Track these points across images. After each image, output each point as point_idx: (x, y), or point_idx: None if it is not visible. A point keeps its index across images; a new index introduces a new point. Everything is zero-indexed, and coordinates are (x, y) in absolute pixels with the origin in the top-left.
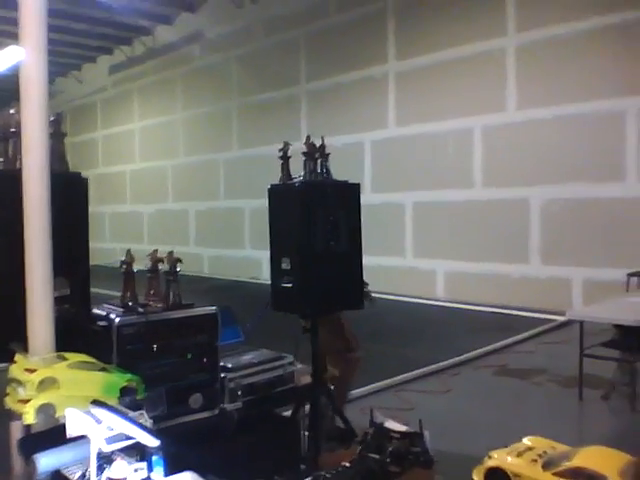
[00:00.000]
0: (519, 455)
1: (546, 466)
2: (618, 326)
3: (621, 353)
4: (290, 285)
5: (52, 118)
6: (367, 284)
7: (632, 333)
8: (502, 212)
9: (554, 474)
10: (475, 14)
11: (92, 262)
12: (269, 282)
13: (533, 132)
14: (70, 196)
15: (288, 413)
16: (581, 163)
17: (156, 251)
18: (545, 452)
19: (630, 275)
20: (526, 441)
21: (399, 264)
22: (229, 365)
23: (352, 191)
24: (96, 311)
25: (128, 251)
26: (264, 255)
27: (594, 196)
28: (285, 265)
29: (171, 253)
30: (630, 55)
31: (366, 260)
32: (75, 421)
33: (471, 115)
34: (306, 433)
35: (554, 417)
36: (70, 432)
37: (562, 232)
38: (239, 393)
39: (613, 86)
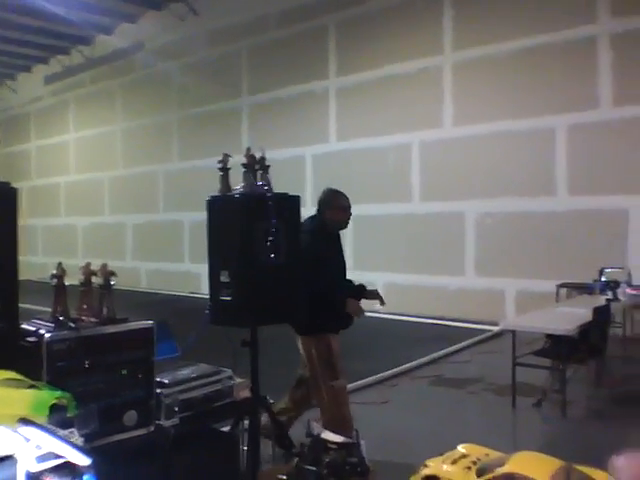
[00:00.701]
0: (454, 463)
1: (480, 473)
2: (549, 335)
3: (552, 361)
4: (229, 298)
5: None
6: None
7: (562, 342)
8: (439, 225)
9: None
10: (413, 32)
11: (23, 277)
12: (208, 296)
13: (469, 147)
14: None
15: (227, 428)
16: (514, 178)
17: (89, 264)
18: (479, 459)
19: (559, 286)
20: (460, 449)
21: None
22: (165, 380)
23: (292, 203)
24: (25, 326)
25: (59, 264)
26: (203, 269)
27: (526, 210)
28: (224, 278)
29: (105, 266)
30: (560, 73)
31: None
32: (1, 440)
33: (409, 130)
34: (245, 448)
35: (489, 425)
36: None
37: (496, 245)
38: (176, 409)
39: (544, 104)
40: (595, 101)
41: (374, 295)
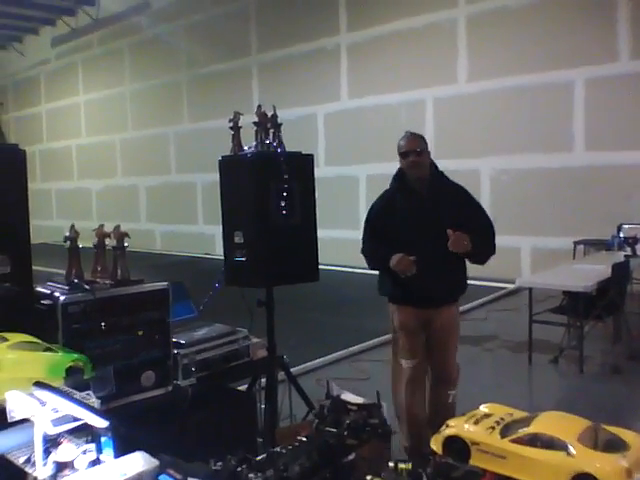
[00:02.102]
0: (476, 423)
1: (504, 433)
2: (566, 292)
3: (569, 318)
4: (244, 259)
5: None
6: None
7: (579, 299)
8: None
9: (512, 441)
10: None
11: (38, 240)
12: (222, 257)
13: (483, 103)
14: (7, 170)
15: (244, 387)
16: (530, 134)
17: (102, 226)
18: (502, 419)
19: (576, 243)
20: (483, 408)
21: (353, 237)
22: (182, 341)
23: (305, 162)
24: (40, 289)
25: (72, 226)
26: (217, 230)
27: (543, 166)
28: (238, 239)
29: (118, 227)
30: (578, 25)
31: (320, 233)
32: (18, 404)
33: (423, 87)
34: (262, 406)
35: (505, 382)
36: (13, 415)
37: (512, 202)
38: (193, 369)
39: (562, 57)
40: (614, 54)
41: None
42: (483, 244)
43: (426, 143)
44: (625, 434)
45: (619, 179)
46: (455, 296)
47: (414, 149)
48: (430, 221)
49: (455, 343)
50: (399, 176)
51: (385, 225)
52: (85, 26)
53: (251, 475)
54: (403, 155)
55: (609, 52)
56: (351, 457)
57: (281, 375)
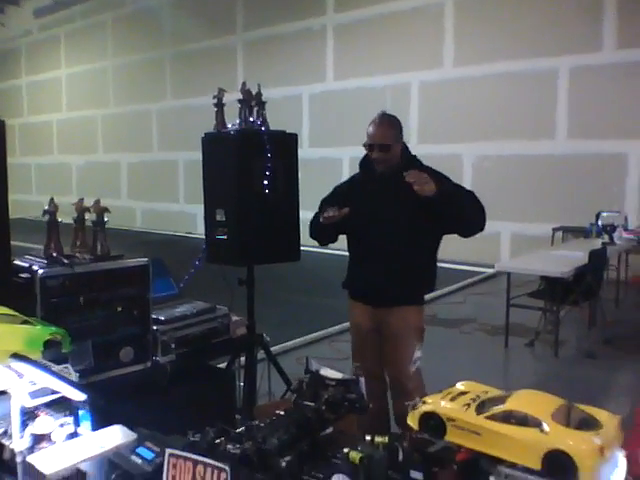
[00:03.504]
0: (453, 400)
1: (479, 410)
2: (544, 278)
3: (545, 303)
4: (225, 237)
5: None
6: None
7: (556, 284)
8: (436, 167)
9: (487, 418)
10: None
11: (17, 215)
12: (204, 236)
13: (468, 89)
14: None
15: (223, 365)
16: (513, 120)
17: (82, 200)
18: (478, 396)
19: (555, 230)
20: (460, 386)
21: None
22: (162, 317)
23: (289, 141)
24: (18, 262)
25: (51, 200)
26: (199, 209)
27: (524, 153)
28: (220, 217)
29: (98, 202)
30: (565, 14)
31: (302, 214)
32: None
33: (409, 70)
34: (241, 384)
35: (482, 364)
36: None
37: (493, 188)
38: (172, 346)
39: (547, 45)
40: (599, 43)
41: None
42: (464, 198)
43: (398, 130)
44: (598, 413)
45: (600, 168)
46: (411, 296)
47: (380, 143)
48: (388, 212)
49: (410, 352)
50: (365, 162)
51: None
52: None
53: (229, 446)
54: (367, 148)
55: (594, 41)
56: (329, 431)
57: (261, 354)
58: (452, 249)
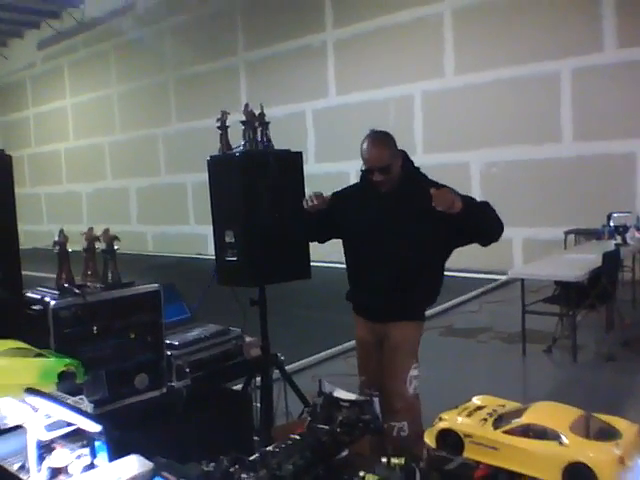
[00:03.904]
0: (469, 415)
1: (497, 425)
2: (558, 282)
3: (561, 308)
4: (235, 258)
5: None
6: None
7: (571, 288)
8: (444, 177)
9: (505, 432)
10: None
11: (29, 245)
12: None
13: (471, 97)
14: None
15: (239, 387)
16: (519, 125)
17: (91, 229)
18: (495, 410)
19: (567, 233)
20: (475, 400)
21: None
22: (175, 342)
23: (294, 160)
24: (30, 295)
25: (61, 231)
26: (209, 230)
27: (532, 157)
28: (229, 238)
29: (107, 231)
30: (564, 16)
31: None
32: (10, 411)
33: (411, 81)
34: (258, 405)
35: (500, 373)
36: (5, 422)
37: (502, 194)
38: (187, 370)
39: (548, 48)
40: (599, 44)
41: None
42: (484, 209)
43: (392, 146)
44: (617, 422)
45: (608, 168)
46: (410, 312)
47: (378, 166)
48: (389, 226)
49: (404, 368)
50: (365, 177)
51: (335, 212)
52: (70, 29)
53: (244, 475)
54: (366, 172)
55: (595, 42)
56: (344, 453)
57: (276, 373)
58: (464, 258)
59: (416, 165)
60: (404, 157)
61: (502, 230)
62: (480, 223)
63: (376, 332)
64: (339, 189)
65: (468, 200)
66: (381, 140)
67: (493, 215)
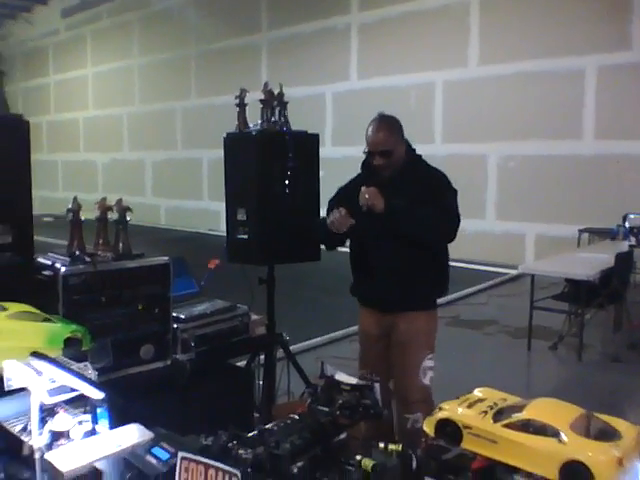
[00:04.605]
0: (470, 407)
1: (497, 418)
2: (569, 280)
3: (570, 306)
4: (246, 236)
5: None
6: None
7: (582, 287)
8: (460, 167)
9: (504, 426)
10: None
11: (44, 211)
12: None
13: (493, 88)
14: (10, 140)
15: (242, 363)
16: (539, 120)
17: (105, 199)
18: (496, 404)
19: (581, 231)
20: (477, 392)
21: None
22: (182, 316)
23: (311, 142)
24: (41, 260)
25: (75, 198)
26: (222, 207)
27: (551, 153)
28: (241, 216)
29: (120, 201)
30: (591, 13)
31: (323, 213)
32: (15, 373)
33: (433, 69)
34: (260, 383)
35: (504, 366)
36: (10, 384)
37: (518, 188)
38: (192, 344)
39: (574, 43)
40: (627, 43)
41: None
42: (423, 217)
43: (398, 132)
44: (618, 423)
45: (627, 168)
46: (420, 301)
47: (379, 150)
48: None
49: (418, 360)
50: (367, 163)
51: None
52: None
53: (241, 451)
54: (367, 155)
55: (622, 40)
56: (342, 436)
57: (280, 353)
58: (476, 249)
59: (425, 155)
60: (408, 146)
61: (444, 239)
62: (406, 228)
63: (384, 324)
64: (344, 184)
65: (399, 205)
66: (385, 124)
67: (439, 227)
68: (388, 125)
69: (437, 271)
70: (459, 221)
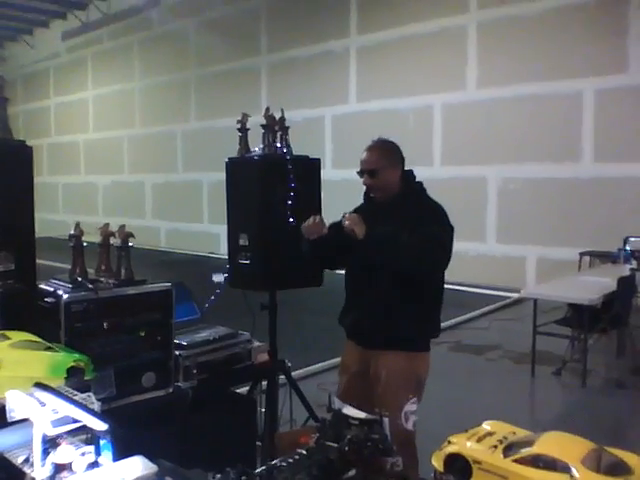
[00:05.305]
0: (479, 441)
1: (506, 452)
2: (571, 304)
3: (573, 330)
4: (247, 261)
5: None
6: None
7: (584, 311)
8: (460, 190)
9: (515, 461)
10: None
11: (44, 234)
12: (227, 257)
13: (492, 111)
14: (13, 165)
15: (244, 391)
16: (539, 143)
17: (107, 225)
18: (505, 437)
19: (582, 254)
20: (486, 426)
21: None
22: (184, 342)
23: (312, 167)
24: (43, 287)
25: (77, 224)
26: (222, 230)
27: (550, 176)
28: (243, 241)
29: (123, 227)
30: (589, 36)
31: None
32: (18, 404)
33: (432, 92)
34: (263, 410)
35: (508, 393)
36: (13, 415)
37: (518, 211)
38: (194, 371)
39: (572, 66)
40: (624, 65)
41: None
42: (403, 245)
43: (390, 155)
44: (629, 457)
45: (627, 191)
46: (403, 341)
47: (367, 169)
48: None
49: (396, 404)
50: (367, 193)
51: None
52: (96, 20)
53: None
54: (359, 175)
55: (619, 63)
56: (351, 473)
57: (282, 379)
58: (476, 273)
59: (424, 178)
60: (409, 175)
61: (421, 269)
62: (385, 256)
63: (365, 360)
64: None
65: (378, 234)
66: (378, 146)
67: (418, 253)
68: (380, 146)
69: (425, 310)
70: (446, 253)
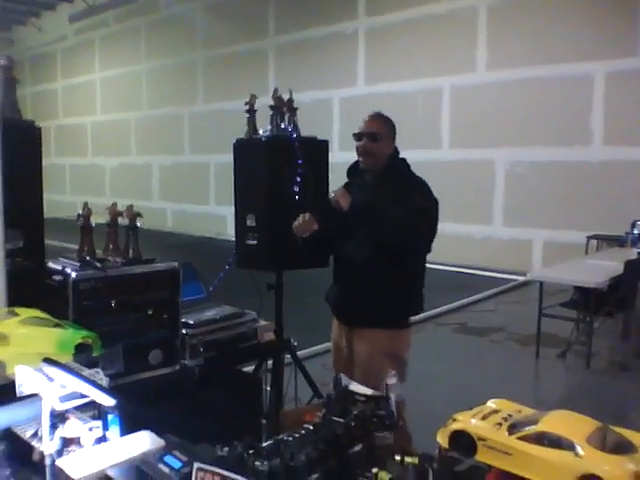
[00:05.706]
0: (484, 418)
1: (511, 430)
2: (577, 287)
3: (578, 313)
4: (255, 242)
5: (2, 63)
6: None
7: (590, 294)
8: (468, 173)
9: (519, 438)
10: None
11: (51, 215)
12: (233, 239)
13: (502, 93)
14: (22, 146)
15: (250, 369)
16: (548, 126)
17: (115, 204)
18: (510, 415)
19: (590, 238)
20: (491, 404)
21: None
22: (191, 321)
23: (320, 148)
24: (51, 265)
25: (85, 204)
26: (229, 211)
27: (559, 159)
28: (250, 222)
29: (131, 207)
30: (599, 19)
31: None
32: (26, 379)
33: (441, 75)
34: (268, 388)
35: (512, 374)
36: (22, 390)
37: (526, 194)
38: (201, 349)
39: (583, 49)
40: (635, 48)
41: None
42: (389, 217)
43: (391, 129)
44: (634, 436)
45: (636, 175)
46: (382, 318)
47: (369, 132)
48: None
49: (374, 381)
50: (352, 167)
51: (327, 227)
52: (102, 3)
53: (257, 462)
54: (356, 137)
55: (630, 46)
56: (357, 448)
57: (287, 358)
58: (483, 255)
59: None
60: (395, 152)
61: (407, 241)
62: (370, 227)
63: (347, 336)
64: None
65: (362, 206)
66: (381, 115)
67: (393, 223)
68: (383, 116)
69: (407, 288)
70: (431, 226)
